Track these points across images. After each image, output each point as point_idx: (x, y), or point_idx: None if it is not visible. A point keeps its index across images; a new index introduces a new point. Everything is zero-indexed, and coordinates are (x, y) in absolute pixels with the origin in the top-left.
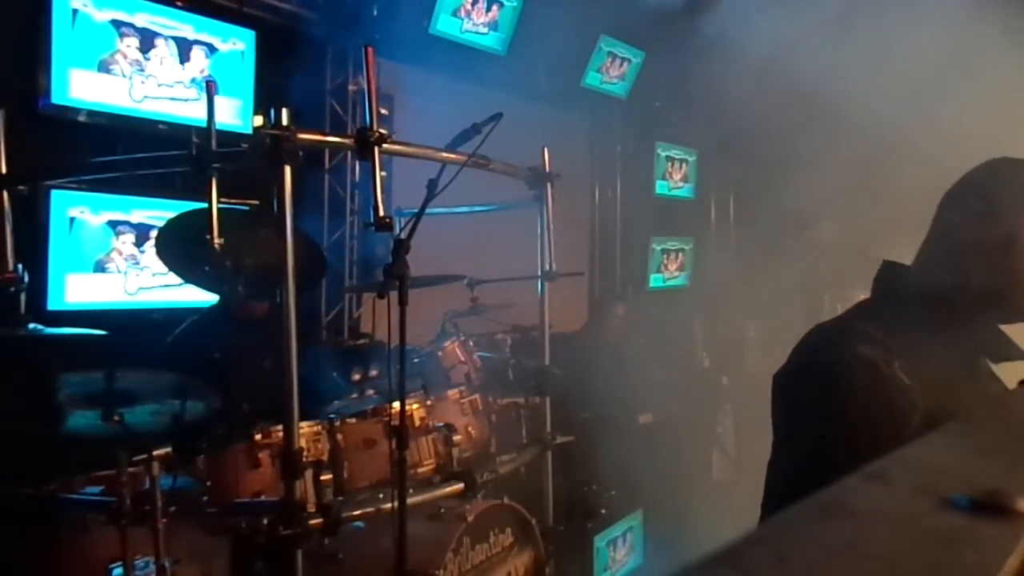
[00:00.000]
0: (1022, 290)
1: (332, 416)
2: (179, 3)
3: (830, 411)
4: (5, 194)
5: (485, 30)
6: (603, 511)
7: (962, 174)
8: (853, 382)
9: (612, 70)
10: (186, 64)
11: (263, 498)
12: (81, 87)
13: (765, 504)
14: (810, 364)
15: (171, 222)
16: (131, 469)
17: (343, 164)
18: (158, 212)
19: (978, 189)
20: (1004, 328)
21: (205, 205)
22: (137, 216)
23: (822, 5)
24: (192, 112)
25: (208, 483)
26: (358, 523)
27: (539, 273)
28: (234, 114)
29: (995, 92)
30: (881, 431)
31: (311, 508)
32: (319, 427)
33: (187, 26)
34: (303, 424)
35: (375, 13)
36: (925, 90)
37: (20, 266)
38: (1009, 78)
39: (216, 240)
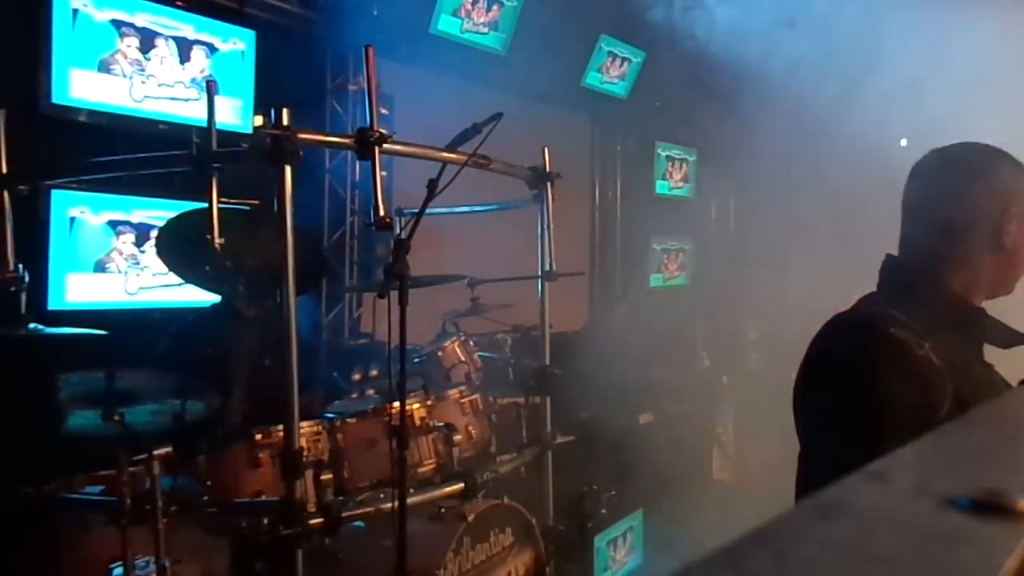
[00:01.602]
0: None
1: (332, 416)
2: (179, 3)
3: (870, 395)
4: (5, 194)
5: (485, 30)
6: (603, 511)
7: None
8: (890, 364)
9: (612, 70)
10: (186, 64)
11: (263, 498)
12: (81, 87)
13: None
14: (843, 350)
15: (171, 222)
16: (131, 469)
17: (343, 164)
18: (158, 212)
19: (958, 178)
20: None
21: (205, 205)
22: (137, 216)
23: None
24: (192, 112)
25: (208, 483)
26: (358, 523)
27: (539, 273)
28: (234, 114)
29: (995, 93)
30: (920, 413)
31: (311, 508)
32: (319, 427)
33: (187, 26)
34: (303, 424)
35: (375, 13)
36: (925, 89)
37: (20, 266)
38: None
39: (216, 240)
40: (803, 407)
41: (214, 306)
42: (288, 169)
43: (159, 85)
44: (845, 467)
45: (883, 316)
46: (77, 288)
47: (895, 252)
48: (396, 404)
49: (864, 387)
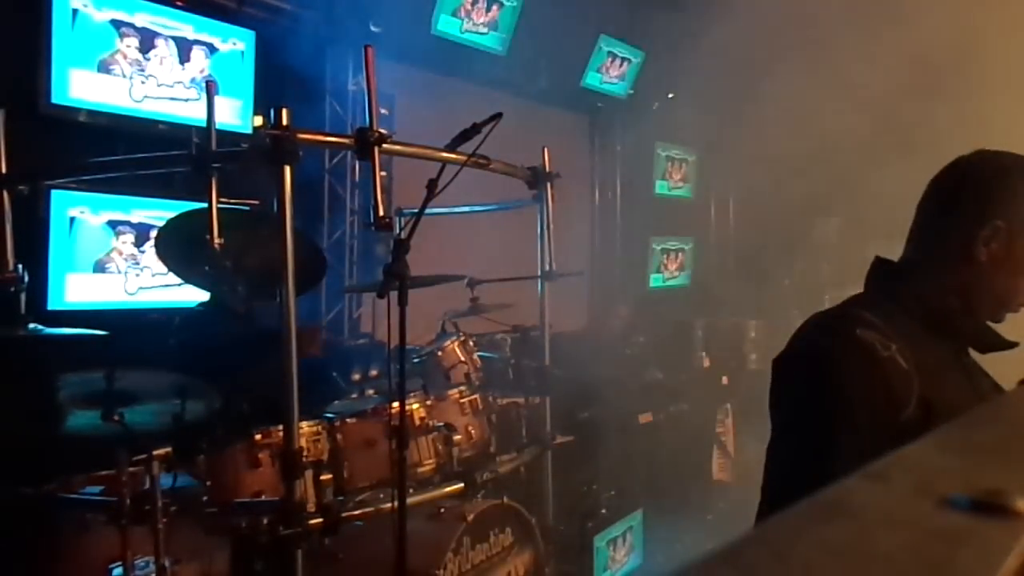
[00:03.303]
0: (1003, 290)
1: (332, 416)
2: (179, 3)
3: (830, 393)
4: (5, 194)
5: (485, 30)
6: (603, 511)
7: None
8: (852, 363)
9: (612, 70)
10: (186, 64)
11: (263, 498)
12: (81, 87)
13: (769, 489)
14: (809, 348)
15: (171, 222)
16: (131, 469)
17: (343, 164)
18: (158, 212)
19: (946, 182)
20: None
21: (205, 205)
22: (137, 216)
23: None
24: (192, 112)
25: (208, 483)
26: (358, 523)
27: (539, 273)
28: (234, 114)
29: (993, 88)
30: (880, 413)
31: (311, 508)
32: (319, 427)
33: (187, 26)
34: (303, 424)
35: (375, 14)
36: (922, 87)
37: (20, 266)
38: (1007, 74)
39: (216, 240)
40: (771, 401)
41: (206, 305)
42: (288, 169)
43: (159, 85)
44: (803, 462)
45: (851, 317)
46: (77, 288)
47: (892, 253)
48: (396, 404)
49: (823, 385)
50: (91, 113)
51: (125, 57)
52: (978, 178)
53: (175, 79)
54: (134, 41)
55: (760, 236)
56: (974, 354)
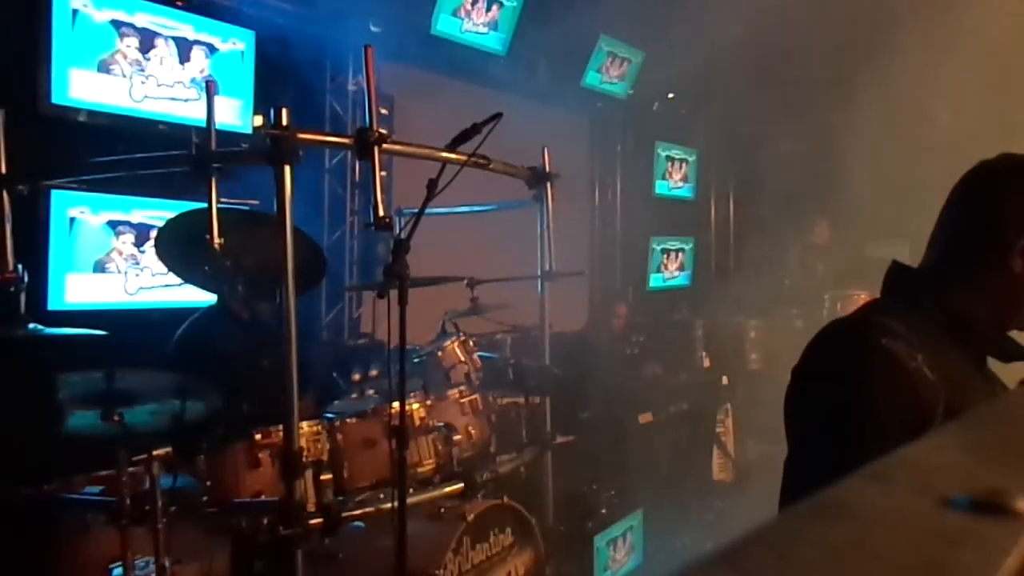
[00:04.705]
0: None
1: (332, 416)
2: (179, 3)
3: (857, 407)
4: (5, 194)
5: (485, 30)
6: (603, 511)
7: (957, 173)
8: (881, 374)
9: (612, 70)
10: (186, 64)
11: (263, 498)
12: (81, 87)
13: (789, 504)
14: (832, 359)
15: (171, 222)
16: (131, 469)
17: (343, 164)
18: (158, 212)
19: (980, 188)
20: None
21: (205, 205)
22: (137, 216)
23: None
24: (192, 112)
25: (208, 483)
26: (358, 523)
27: (539, 273)
28: (234, 114)
29: (993, 88)
30: (909, 427)
31: (311, 508)
32: (319, 427)
33: (187, 26)
34: (303, 424)
35: (375, 14)
36: (922, 87)
37: (20, 266)
38: (1007, 75)
39: (216, 240)
40: (791, 412)
41: (209, 309)
42: (288, 169)
43: (159, 85)
44: (826, 476)
45: (876, 325)
46: (77, 288)
47: (892, 254)
48: (396, 404)
49: (851, 397)
50: (91, 113)
51: (125, 57)
52: (1011, 186)
53: (175, 79)
54: (134, 41)
55: (760, 236)
56: (991, 362)
